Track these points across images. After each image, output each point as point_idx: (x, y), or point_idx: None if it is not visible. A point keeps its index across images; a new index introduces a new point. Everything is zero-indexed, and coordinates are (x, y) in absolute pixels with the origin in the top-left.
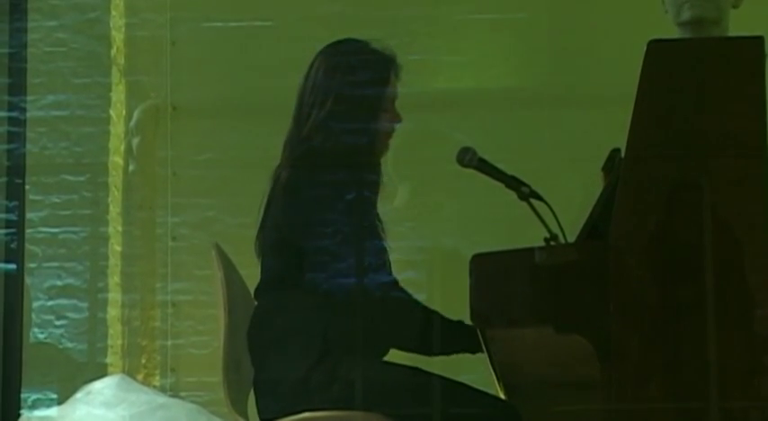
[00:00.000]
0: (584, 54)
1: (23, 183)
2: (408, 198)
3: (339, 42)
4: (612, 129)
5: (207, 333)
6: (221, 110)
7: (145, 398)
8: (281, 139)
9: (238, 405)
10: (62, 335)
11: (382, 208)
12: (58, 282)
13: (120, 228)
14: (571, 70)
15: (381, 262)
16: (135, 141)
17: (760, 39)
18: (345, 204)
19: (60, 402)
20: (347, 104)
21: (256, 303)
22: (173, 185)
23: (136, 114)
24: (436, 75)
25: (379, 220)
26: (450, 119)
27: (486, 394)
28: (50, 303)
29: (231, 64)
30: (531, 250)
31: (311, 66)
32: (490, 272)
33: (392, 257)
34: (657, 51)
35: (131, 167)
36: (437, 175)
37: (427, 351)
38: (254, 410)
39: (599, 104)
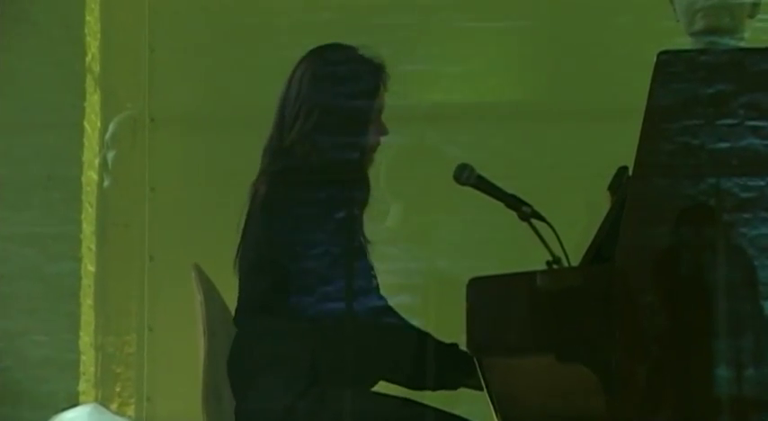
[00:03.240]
0: (589, 65)
1: None
2: (402, 217)
3: (325, 48)
4: (620, 145)
5: (186, 360)
6: (202, 122)
7: None
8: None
9: None
10: (31, 362)
11: (372, 227)
12: (27, 305)
13: (93, 248)
14: (575, 82)
15: (370, 284)
16: (110, 155)
17: None
18: (329, 222)
19: None
20: (334, 116)
21: (236, 329)
22: (150, 202)
23: (111, 126)
24: (432, 86)
25: (366, 240)
26: (447, 133)
27: None
28: (18, 327)
29: (213, 73)
30: (532, 274)
31: (294, 71)
32: (488, 296)
33: (385, 280)
34: (668, 63)
35: (106, 183)
36: (432, 193)
37: (419, 385)
38: None
39: (605, 119)
